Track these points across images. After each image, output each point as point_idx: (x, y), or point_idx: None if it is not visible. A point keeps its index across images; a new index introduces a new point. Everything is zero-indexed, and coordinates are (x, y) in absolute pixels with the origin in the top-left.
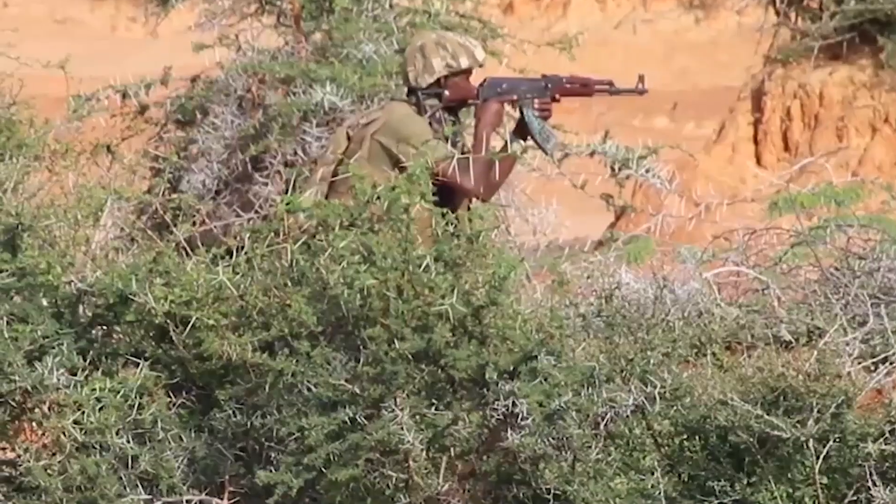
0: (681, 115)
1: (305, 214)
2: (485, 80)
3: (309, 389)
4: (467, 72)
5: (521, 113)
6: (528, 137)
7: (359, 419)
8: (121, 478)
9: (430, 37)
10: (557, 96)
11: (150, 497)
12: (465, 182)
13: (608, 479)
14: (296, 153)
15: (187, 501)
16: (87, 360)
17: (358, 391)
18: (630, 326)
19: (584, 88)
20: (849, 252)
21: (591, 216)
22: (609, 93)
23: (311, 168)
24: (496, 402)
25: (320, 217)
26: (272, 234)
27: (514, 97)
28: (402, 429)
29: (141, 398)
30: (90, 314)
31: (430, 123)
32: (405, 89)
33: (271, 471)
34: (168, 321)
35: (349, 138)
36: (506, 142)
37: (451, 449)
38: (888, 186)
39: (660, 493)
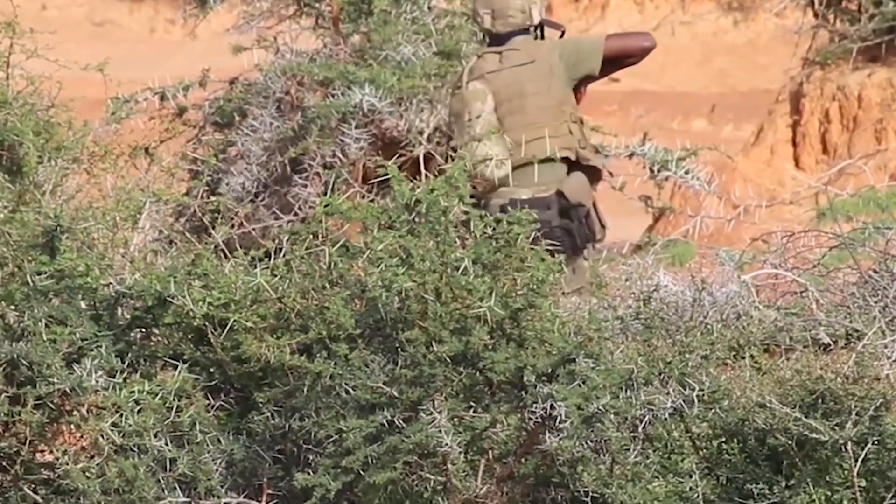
0: (719, 117)
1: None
2: None
3: (347, 392)
4: None
5: None
6: None
7: (397, 422)
8: (159, 480)
9: None
10: None
11: (188, 500)
12: None
13: (646, 481)
14: (334, 155)
15: None
16: (126, 363)
17: (396, 394)
18: (668, 329)
19: None
20: (888, 255)
21: (629, 218)
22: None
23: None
24: (534, 405)
25: (358, 219)
26: (311, 236)
27: None
28: (440, 431)
29: (179, 401)
30: (128, 316)
31: None
32: None
33: (309, 473)
34: (206, 323)
35: None
36: None
37: (490, 452)
38: None
39: (698, 496)
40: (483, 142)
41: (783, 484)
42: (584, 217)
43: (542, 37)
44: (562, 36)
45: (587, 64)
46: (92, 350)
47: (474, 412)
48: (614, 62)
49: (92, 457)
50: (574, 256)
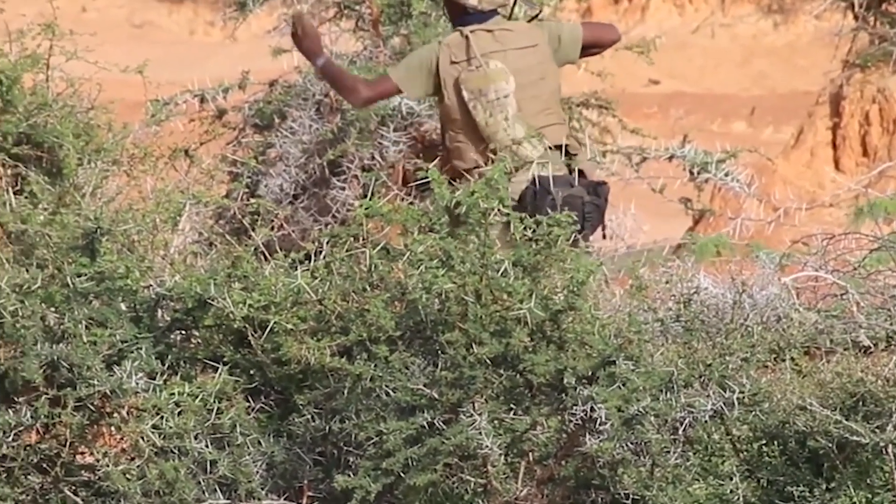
0: (759, 119)
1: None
2: None
3: (387, 394)
4: None
5: None
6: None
7: (437, 424)
8: (199, 482)
9: None
10: None
11: (228, 502)
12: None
13: (687, 484)
14: (373, 158)
15: None
16: (166, 365)
17: (436, 396)
18: (709, 331)
19: None
20: None
21: (669, 220)
22: None
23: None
24: (574, 407)
25: (398, 222)
26: (351, 238)
27: None
28: (480, 433)
29: (219, 403)
30: (168, 319)
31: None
32: None
33: (349, 475)
34: (246, 326)
35: None
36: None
37: (530, 454)
38: None
39: (738, 499)
40: (517, 123)
41: (824, 486)
42: (606, 195)
43: (511, 15)
44: (534, 17)
45: (569, 52)
46: (132, 352)
47: (514, 414)
48: (584, 51)
49: (132, 459)
50: (592, 233)
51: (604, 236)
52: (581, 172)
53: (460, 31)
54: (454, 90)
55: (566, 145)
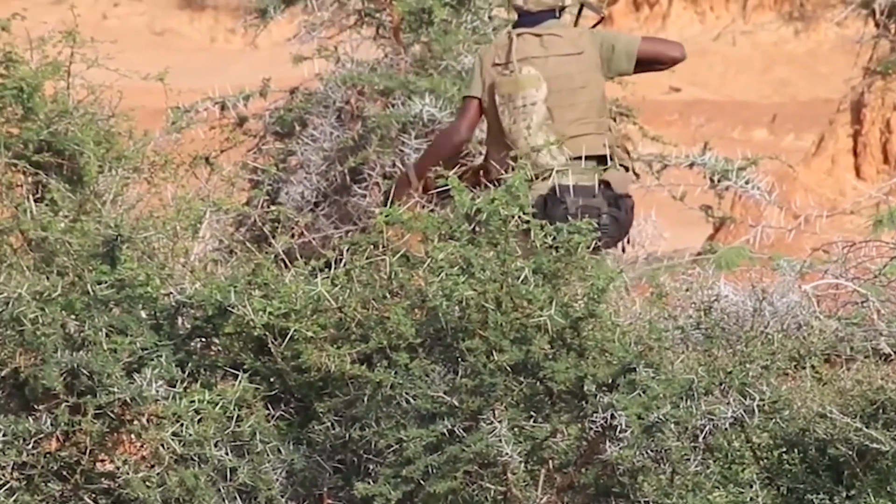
0: (780, 127)
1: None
2: None
3: (407, 401)
4: None
5: None
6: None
7: (457, 431)
8: (219, 490)
9: None
10: None
11: None
12: None
13: (707, 491)
14: (394, 165)
15: None
16: (186, 372)
17: (456, 403)
18: (729, 339)
19: None
20: None
21: (690, 228)
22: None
23: None
24: (595, 415)
25: (418, 229)
26: (371, 246)
27: None
28: (500, 441)
29: (239, 410)
30: (189, 326)
31: None
32: None
33: (370, 483)
34: (267, 333)
35: None
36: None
37: (550, 461)
38: None
39: None
40: (540, 131)
41: (844, 494)
42: (630, 208)
43: (577, 22)
44: (598, 23)
45: (622, 64)
46: (152, 359)
47: (534, 422)
48: (642, 65)
49: (152, 466)
50: (612, 246)
51: (623, 250)
52: (607, 183)
53: (509, 33)
54: (489, 93)
55: (609, 155)
